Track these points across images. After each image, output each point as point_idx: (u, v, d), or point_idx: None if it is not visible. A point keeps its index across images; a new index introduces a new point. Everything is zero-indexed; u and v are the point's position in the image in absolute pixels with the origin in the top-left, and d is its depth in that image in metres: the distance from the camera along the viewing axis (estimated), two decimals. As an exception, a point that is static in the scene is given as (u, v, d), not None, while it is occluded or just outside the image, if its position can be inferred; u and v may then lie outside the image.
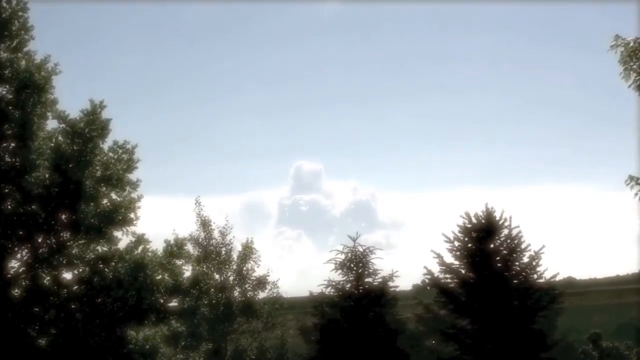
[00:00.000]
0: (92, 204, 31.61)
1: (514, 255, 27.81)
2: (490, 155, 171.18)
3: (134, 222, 32.19)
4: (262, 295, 52.66)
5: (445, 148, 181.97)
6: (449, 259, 28.05)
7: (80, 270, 31.57)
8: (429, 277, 28.09)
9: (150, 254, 32.55)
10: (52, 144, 31.33)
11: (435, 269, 28.02)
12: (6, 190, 30.81)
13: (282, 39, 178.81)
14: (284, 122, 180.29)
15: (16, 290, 31.07)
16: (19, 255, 31.21)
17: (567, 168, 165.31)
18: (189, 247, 41.19)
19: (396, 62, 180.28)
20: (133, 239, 32.48)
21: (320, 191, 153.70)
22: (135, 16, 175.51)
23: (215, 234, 53.10)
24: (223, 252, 52.83)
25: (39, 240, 31.08)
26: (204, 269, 51.41)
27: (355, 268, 28.16)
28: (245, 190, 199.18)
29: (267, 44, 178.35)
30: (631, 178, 19.71)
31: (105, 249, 32.04)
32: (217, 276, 52.91)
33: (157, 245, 33.43)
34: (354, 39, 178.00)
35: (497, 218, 27.98)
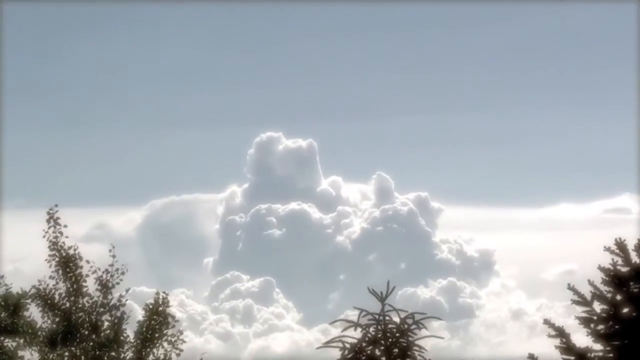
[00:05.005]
0: None
1: None
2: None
3: None
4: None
5: (560, 127, 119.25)
6: (581, 337, 19.02)
7: None
8: (541, 374, 20.25)
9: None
10: None
11: (554, 358, 19.09)
12: None
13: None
14: (237, 61, 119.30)
15: None
16: None
17: None
18: (33, 313, 30.27)
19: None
20: None
21: (310, 196, 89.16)
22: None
23: (90, 284, 37.04)
24: (106, 323, 36.87)
25: None
26: (66, 358, 36.11)
27: (385, 358, 19.34)
28: (153, 196, 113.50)
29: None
30: None
31: None
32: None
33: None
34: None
35: (681, 254, 19.76)
